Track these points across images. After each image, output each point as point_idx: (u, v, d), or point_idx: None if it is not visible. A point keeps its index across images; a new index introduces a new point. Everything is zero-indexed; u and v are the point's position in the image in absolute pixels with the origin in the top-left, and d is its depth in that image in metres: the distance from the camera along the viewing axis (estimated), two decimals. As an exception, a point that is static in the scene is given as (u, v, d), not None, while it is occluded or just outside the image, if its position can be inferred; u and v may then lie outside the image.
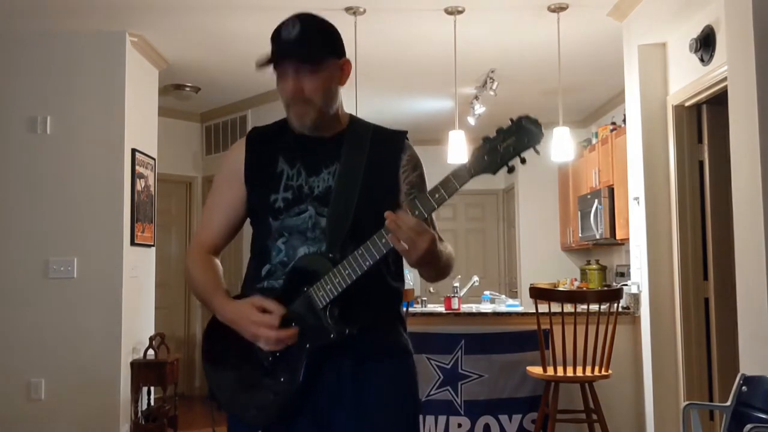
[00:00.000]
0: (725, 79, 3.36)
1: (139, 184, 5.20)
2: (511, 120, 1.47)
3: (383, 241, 1.53)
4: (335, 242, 1.65)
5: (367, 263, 1.56)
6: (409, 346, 1.78)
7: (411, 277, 5.10)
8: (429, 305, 5.17)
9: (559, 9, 4.59)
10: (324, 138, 1.74)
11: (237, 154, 1.80)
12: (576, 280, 7.23)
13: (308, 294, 1.62)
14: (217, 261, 1.84)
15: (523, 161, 1.47)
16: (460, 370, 4.38)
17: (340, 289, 1.59)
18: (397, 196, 1.73)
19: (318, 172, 1.72)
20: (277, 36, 1.66)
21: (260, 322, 1.61)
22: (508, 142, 1.46)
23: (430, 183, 1.61)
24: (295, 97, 1.66)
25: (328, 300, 1.60)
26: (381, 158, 1.74)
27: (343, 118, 1.79)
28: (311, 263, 1.65)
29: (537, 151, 1.47)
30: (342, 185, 1.69)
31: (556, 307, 4.26)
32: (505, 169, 1.48)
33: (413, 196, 1.69)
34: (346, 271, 1.57)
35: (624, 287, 4.48)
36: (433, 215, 1.66)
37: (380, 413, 1.67)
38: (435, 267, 1.65)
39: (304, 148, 1.74)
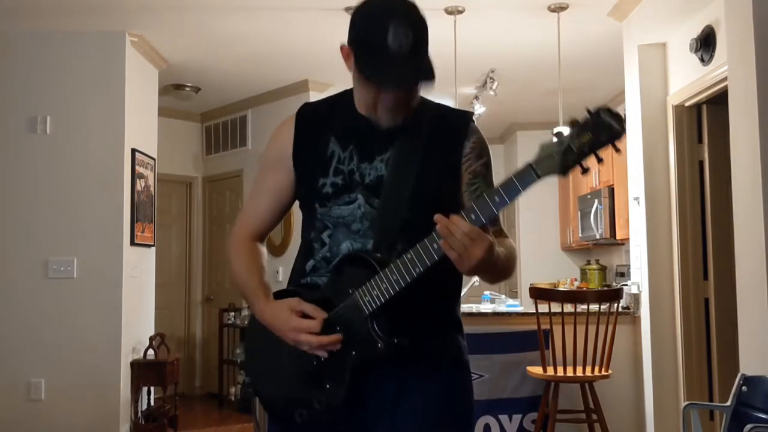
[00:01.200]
0: (725, 79, 3.36)
1: (139, 184, 5.20)
2: (589, 112, 1.28)
3: (435, 246, 1.37)
4: (383, 239, 1.51)
5: (417, 270, 1.40)
6: (464, 355, 1.62)
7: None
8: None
9: (559, 9, 4.59)
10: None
11: (285, 134, 1.64)
12: (576, 280, 7.23)
13: (354, 298, 1.48)
14: (262, 248, 1.72)
15: (599, 160, 1.29)
16: (460, 370, 4.38)
17: (387, 296, 1.44)
18: (458, 187, 1.56)
19: (371, 158, 1.56)
20: (382, 34, 1.43)
21: (301, 327, 1.50)
22: (584, 139, 1.27)
23: None
24: (399, 105, 1.52)
25: (374, 306, 1.45)
26: (441, 144, 1.57)
27: None
28: (356, 263, 1.50)
29: (617, 149, 1.28)
30: (395, 175, 1.53)
31: (556, 307, 4.25)
32: (578, 169, 1.30)
33: (476, 189, 1.55)
34: (394, 277, 1.42)
35: (624, 287, 4.48)
36: None
37: (431, 426, 1.54)
38: (491, 275, 1.52)
39: (359, 130, 1.58)
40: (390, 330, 1.47)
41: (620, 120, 1.27)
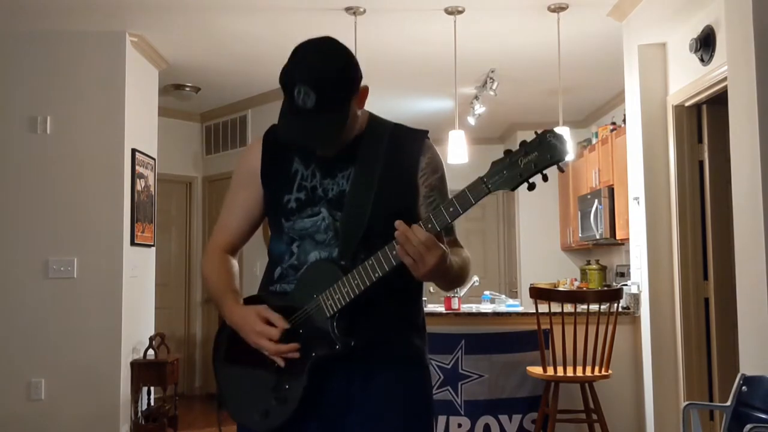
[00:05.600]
0: (725, 79, 3.36)
1: (139, 184, 5.20)
2: (536, 133, 1.39)
3: (393, 253, 1.47)
4: (347, 249, 1.61)
5: (377, 275, 1.51)
6: (423, 357, 1.73)
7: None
8: (429, 305, 5.16)
9: (559, 9, 4.58)
10: None
11: (253, 153, 1.77)
12: (576, 280, 7.23)
13: (317, 301, 1.59)
14: (234, 261, 1.82)
15: (545, 179, 1.39)
16: (460, 370, 4.38)
17: (348, 299, 1.55)
18: (416, 200, 1.67)
19: (333, 175, 1.67)
20: (289, 96, 1.54)
21: (262, 333, 1.60)
22: (530, 158, 1.37)
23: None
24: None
25: (335, 309, 1.56)
26: (399, 161, 1.68)
27: (362, 120, 1.71)
28: (321, 270, 1.61)
29: (561, 169, 1.41)
30: (356, 190, 1.64)
31: (556, 307, 4.26)
32: (525, 185, 1.40)
33: (432, 201, 1.65)
34: (355, 281, 1.53)
35: (624, 287, 4.48)
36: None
37: (392, 417, 1.63)
38: (444, 281, 1.60)
39: None
40: (349, 331, 1.58)
41: (563, 142, 1.37)
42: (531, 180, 1.39)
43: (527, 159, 1.38)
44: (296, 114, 1.54)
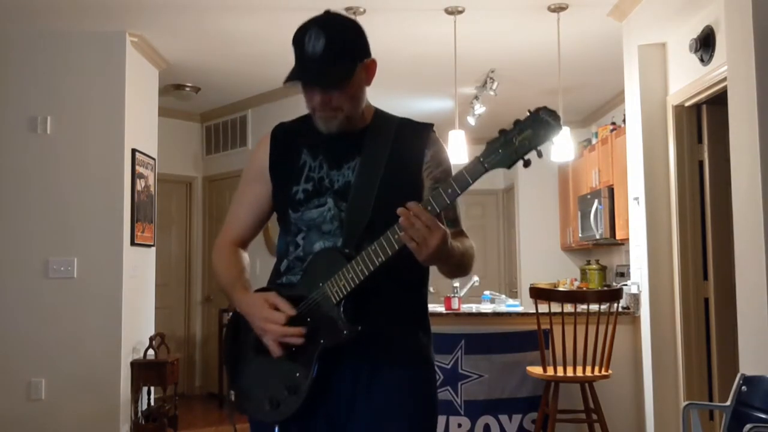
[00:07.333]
0: (725, 79, 3.36)
1: (139, 184, 5.20)
2: (529, 111, 1.42)
3: (396, 237, 1.51)
4: (351, 238, 1.64)
5: (380, 259, 1.53)
6: (429, 355, 1.75)
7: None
8: (430, 305, 5.15)
9: (559, 9, 4.59)
10: (347, 133, 1.71)
11: (262, 149, 1.81)
12: (576, 280, 7.23)
13: (323, 289, 1.62)
14: (244, 253, 1.87)
15: (539, 155, 1.42)
16: (460, 370, 4.39)
17: (352, 285, 1.57)
18: (420, 192, 1.70)
19: (339, 166, 1.71)
20: (300, 46, 1.62)
21: (269, 318, 1.62)
22: (525, 135, 1.41)
23: None
24: (323, 108, 1.65)
25: (341, 295, 1.59)
26: (403, 153, 1.71)
27: (367, 113, 1.76)
28: (326, 258, 1.64)
29: (539, 154, 1.42)
30: (361, 181, 1.68)
31: (556, 307, 4.26)
32: (520, 163, 1.42)
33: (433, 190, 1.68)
34: (359, 267, 1.56)
35: (624, 287, 4.48)
36: (460, 209, 1.73)
37: (397, 416, 1.65)
38: (447, 264, 1.62)
39: (327, 142, 1.73)
40: (356, 318, 1.60)
41: (558, 118, 1.41)
42: (526, 157, 1.42)
43: (522, 136, 1.41)
44: (305, 58, 1.60)
